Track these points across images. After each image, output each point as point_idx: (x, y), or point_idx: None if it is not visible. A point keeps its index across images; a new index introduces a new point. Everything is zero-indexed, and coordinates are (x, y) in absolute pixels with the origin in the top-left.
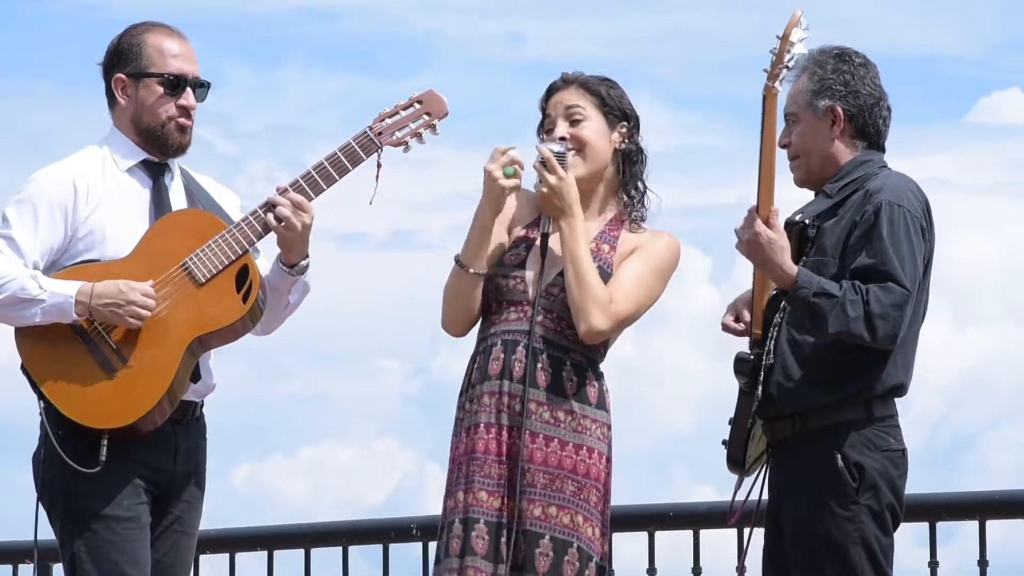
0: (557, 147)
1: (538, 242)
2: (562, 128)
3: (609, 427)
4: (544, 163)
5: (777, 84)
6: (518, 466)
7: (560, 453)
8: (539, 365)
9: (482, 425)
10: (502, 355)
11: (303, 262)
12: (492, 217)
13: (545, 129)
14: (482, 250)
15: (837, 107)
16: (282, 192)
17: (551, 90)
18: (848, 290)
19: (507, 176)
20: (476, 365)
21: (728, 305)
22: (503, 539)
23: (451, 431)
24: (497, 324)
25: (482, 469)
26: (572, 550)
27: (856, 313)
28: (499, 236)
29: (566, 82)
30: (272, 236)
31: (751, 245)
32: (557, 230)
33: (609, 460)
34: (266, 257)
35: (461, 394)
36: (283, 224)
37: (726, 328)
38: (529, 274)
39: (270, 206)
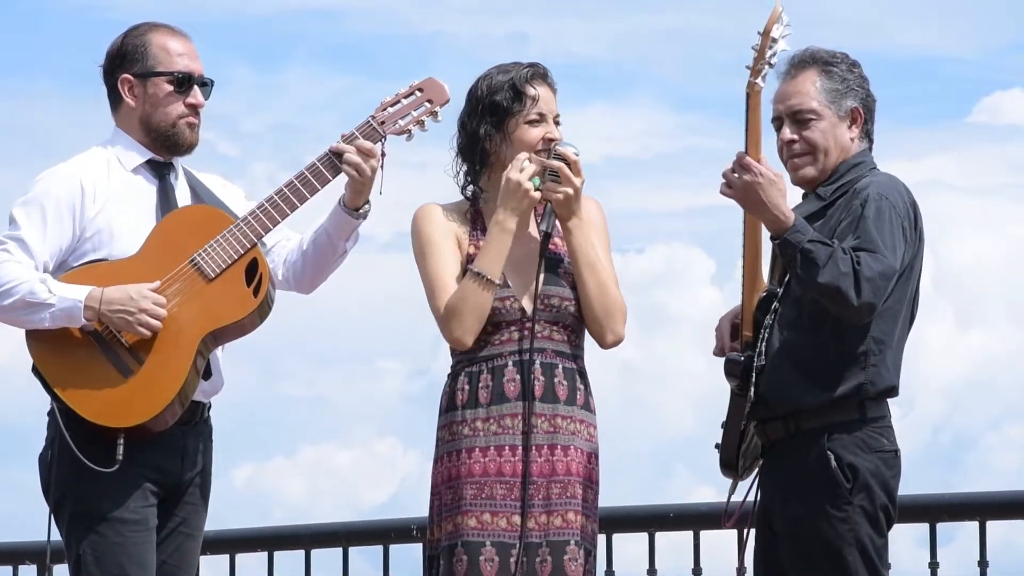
0: (574, 149)
1: (514, 250)
2: (556, 131)
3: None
4: (569, 165)
5: (760, 80)
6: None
7: (578, 461)
8: (556, 379)
9: (507, 448)
10: (517, 376)
11: (367, 206)
12: (515, 225)
13: (530, 120)
14: (504, 259)
15: (860, 108)
16: (348, 140)
17: (537, 76)
18: (839, 248)
19: (536, 188)
20: (481, 385)
21: (715, 329)
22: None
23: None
24: (496, 345)
25: (512, 492)
26: (571, 547)
27: (846, 269)
28: (457, 258)
29: (545, 79)
30: (294, 216)
31: (750, 187)
32: (550, 229)
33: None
34: (293, 230)
35: (447, 412)
36: (355, 169)
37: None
38: (518, 290)
39: (337, 155)
